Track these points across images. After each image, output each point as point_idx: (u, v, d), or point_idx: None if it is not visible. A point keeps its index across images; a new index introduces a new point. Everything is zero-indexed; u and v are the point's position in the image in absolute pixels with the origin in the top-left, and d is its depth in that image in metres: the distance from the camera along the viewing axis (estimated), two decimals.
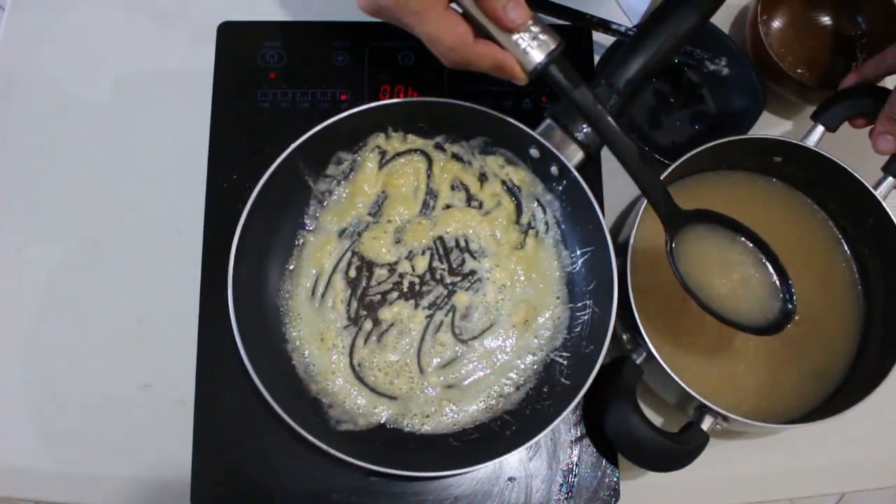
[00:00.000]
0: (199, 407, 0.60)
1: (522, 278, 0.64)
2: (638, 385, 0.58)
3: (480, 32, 0.50)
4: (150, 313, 0.65)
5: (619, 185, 0.66)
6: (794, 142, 0.63)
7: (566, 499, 0.60)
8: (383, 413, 0.60)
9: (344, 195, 0.65)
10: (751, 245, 0.56)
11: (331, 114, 0.59)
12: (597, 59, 0.71)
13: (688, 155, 0.61)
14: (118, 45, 0.72)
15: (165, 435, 0.61)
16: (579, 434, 0.61)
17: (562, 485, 0.60)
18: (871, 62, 0.65)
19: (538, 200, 0.65)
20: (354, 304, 0.63)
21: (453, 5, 0.50)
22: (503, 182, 0.66)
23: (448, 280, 0.64)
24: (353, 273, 0.64)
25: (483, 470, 0.60)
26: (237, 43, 0.69)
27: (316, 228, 0.64)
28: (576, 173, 0.59)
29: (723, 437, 0.64)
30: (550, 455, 0.61)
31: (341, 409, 0.60)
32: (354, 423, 0.59)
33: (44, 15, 0.73)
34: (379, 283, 0.64)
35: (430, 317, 0.63)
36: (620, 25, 0.71)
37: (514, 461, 0.60)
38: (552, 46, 0.51)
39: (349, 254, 0.64)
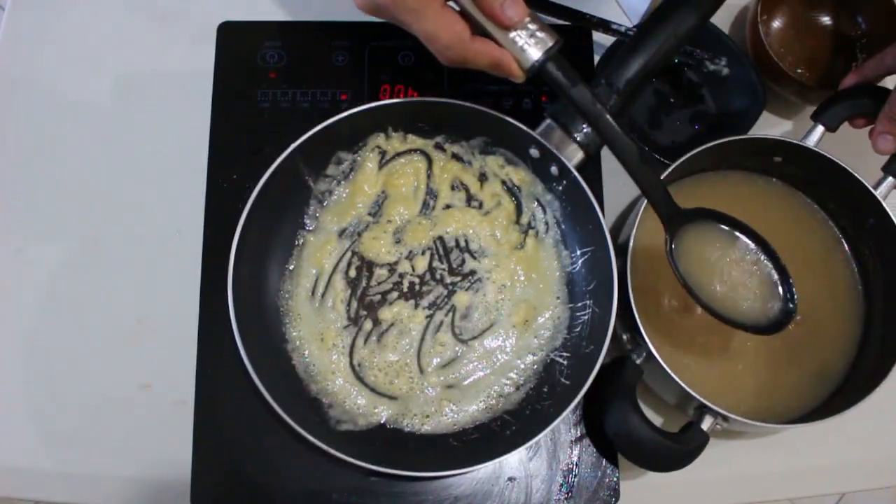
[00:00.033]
0: (199, 407, 0.60)
1: (522, 278, 0.64)
2: (638, 385, 0.58)
3: (478, 30, 0.50)
4: (150, 313, 0.65)
5: (619, 185, 0.66)
6: (794, 142, 0.63)
7: (566, 499, 0.60)
8: (383, 413, 0.60)
9: (344, 195, 0.65)
10: (751, 243, 0.56)
11: (331, 114, 0.59)
12: (597, 59, 0.71)
13: (688, 155, 0.61)
14: (118, 45, 0.72)
15: (165, 435, 0.61)
16: (579, 434, 0.61)
17: (562, 485, 0.60)
18: (871, 62, 0.65)
19: (538, 200, 0.65)
20: (354, 304, 0.63)
21: (450, 3, 0.50)
22: (503, 182, 0.66)
23: (448, 280, 0.64)
24: (353, 273, 0.64)
25: (483, 470, 0.60)
26: (237, 43, 0.69)
27: (316, 228, 0.64)
28: (576, 173, 0.59)
29: (723, 437, 0.64)
30: (550, 455, 0.61)
31: (341, 409, 0.60)
32: (354, 423, 0.59)
33: (44, 15, 0.73)
34: (379, 283, 0.64)
35: (430, 317, 0.63)
36: (620, 25, 0.71)
37: (514, 461, 0.60)
38: (550, 44, 0.51)
39: (349, 254, 0.64)
